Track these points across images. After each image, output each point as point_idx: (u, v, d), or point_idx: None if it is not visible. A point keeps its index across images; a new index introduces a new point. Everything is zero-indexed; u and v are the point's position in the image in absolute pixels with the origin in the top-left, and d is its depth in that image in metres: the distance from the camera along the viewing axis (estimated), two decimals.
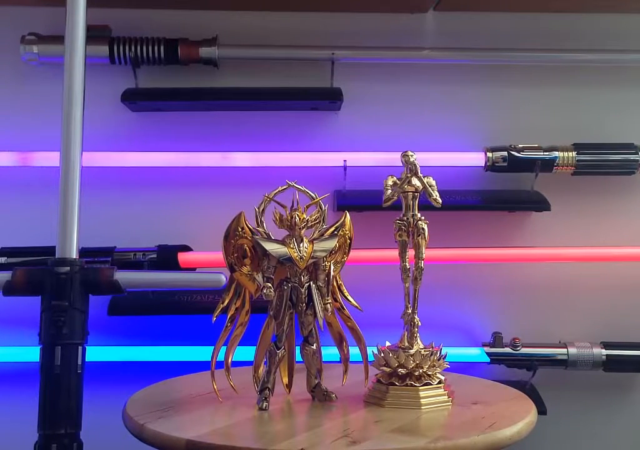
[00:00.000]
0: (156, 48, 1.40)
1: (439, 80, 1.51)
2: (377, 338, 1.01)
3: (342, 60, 1.46)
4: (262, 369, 0.98)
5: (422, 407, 0.94)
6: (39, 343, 0.96)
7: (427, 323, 1.06)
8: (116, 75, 1.44)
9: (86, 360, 0.97)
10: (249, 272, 0.96)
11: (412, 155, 0.98)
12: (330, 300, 0.96)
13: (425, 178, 0.99)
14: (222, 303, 0.96)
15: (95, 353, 1.36)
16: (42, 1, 1.42)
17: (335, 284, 0.99)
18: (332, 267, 0.97)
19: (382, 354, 0.98)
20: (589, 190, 1.51)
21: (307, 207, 0.97)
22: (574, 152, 1.44)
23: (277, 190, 0.97)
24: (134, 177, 1.46)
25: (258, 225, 0.96)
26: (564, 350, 1.45)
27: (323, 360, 0.99)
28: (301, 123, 1.49)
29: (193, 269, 1.39)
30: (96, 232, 1.34)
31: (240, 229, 0.95)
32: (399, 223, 0.99)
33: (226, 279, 1.01)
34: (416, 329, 0.99)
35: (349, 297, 1.01)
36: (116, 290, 1.00)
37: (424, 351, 0.97)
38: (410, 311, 0.99)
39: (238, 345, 0.97)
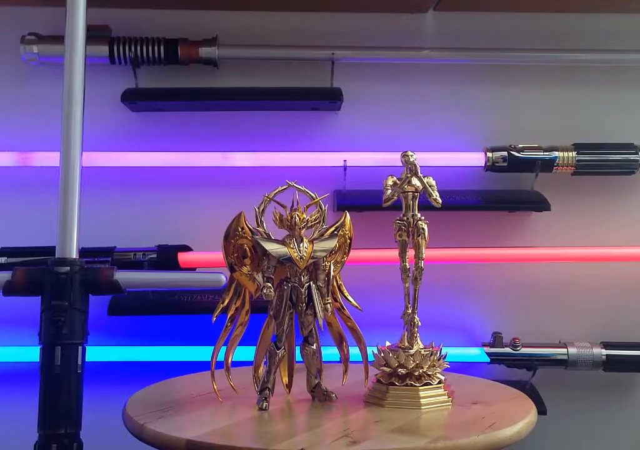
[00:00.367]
0: (156, 48, 1.40)
1: (439, 80, 1.51)
2: (377, 338, 1.01)
3: (342, 60, 1.46)
4: (262, 369, 0.98)
5: (422, 407, 0.94)
6: (39, 343, 0.96)
7: (427, 323, 1.06)
8: (116, 75, 1.44)
9: (86, 360, 0.97)
10: (249, 272, 0.96)
11: (412, 155, 0.98)
12: (330, 300, 0.96)
13: (425, 178, 0.99)
14: (222, 303, 0.96)
15: (95, 353, 1.36)
16: (42, 1, 1.42)
17: (335, 284, 0.99)
18: (332, 267, 0.97)
19: (382, 354, 0.98)
20: (589, 190, 1.51)
21: (307, 207, 0.97)
22: (574, 152, 1.44)
23: (277, 190, 0.97)
24: (134, 177, 1.46)
25: (258, 225, 0.96)
26: (564, 350, 1.45)
27: (323, 360, 0.99)
28: (301, 123, 1.49)
29: (193, 269, 1.39)
30: (96, 232, 1.34)
31: (240, 229, 0.95)
32: (399, 223, 0.99)
33: (226, 279, 1.01)
34: (416, 329, 0.99)
35: (349, 297, 1.01)
36: (116, 290, 1.00)
37: (424, 351, 0.97)
38: (410, 311, 0.99)
39: (238, 345, 0.97)
